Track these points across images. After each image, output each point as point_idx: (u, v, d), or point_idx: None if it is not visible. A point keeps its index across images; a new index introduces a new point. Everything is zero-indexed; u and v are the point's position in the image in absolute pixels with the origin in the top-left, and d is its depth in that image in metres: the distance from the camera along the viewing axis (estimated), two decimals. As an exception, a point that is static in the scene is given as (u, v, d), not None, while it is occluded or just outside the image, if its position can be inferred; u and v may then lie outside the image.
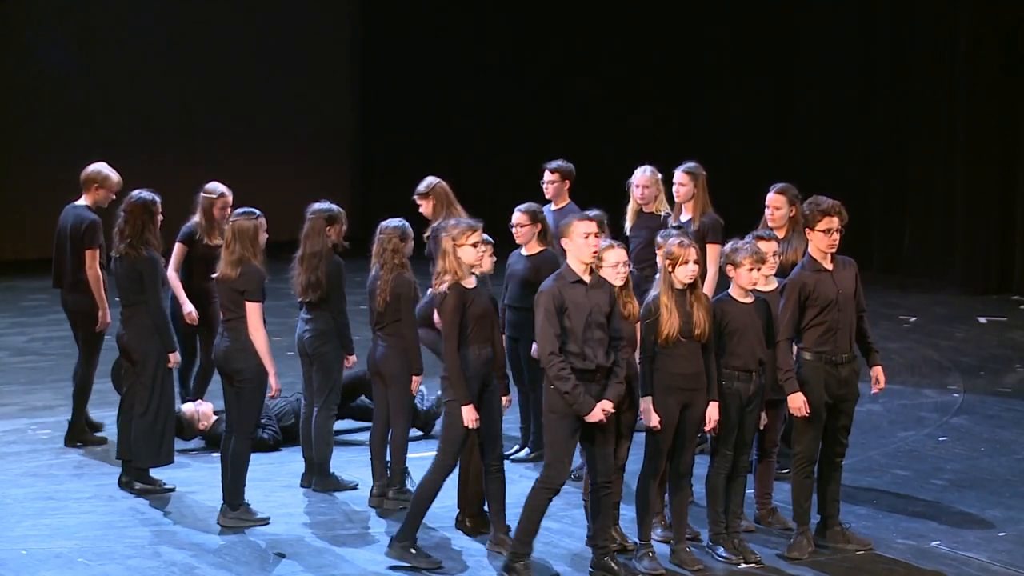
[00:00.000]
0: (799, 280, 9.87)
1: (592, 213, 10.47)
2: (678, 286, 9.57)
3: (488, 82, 18.61)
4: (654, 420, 9.52)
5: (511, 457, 11.89)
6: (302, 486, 11.34)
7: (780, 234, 11.42)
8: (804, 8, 18.29)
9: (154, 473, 11.34)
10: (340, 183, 16.97)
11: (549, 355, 9.26)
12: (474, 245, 9.76)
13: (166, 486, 11.33)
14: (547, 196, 12.50)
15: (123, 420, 11.43)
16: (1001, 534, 10.33)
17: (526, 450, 12.17)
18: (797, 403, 9.77)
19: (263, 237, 10.58)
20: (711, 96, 18.64)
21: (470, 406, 9.60)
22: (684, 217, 12.36)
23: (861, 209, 14.23)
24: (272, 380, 10.54)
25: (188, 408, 12.38)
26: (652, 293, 9.55)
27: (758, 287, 9.90)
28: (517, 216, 11.85)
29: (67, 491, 11.41)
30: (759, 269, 9.80)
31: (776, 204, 11.59)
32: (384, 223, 10.75)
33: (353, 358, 11.31)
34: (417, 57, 18.21)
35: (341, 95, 17.55)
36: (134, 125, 16.65)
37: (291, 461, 11.83)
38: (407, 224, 10.77)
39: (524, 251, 11.88)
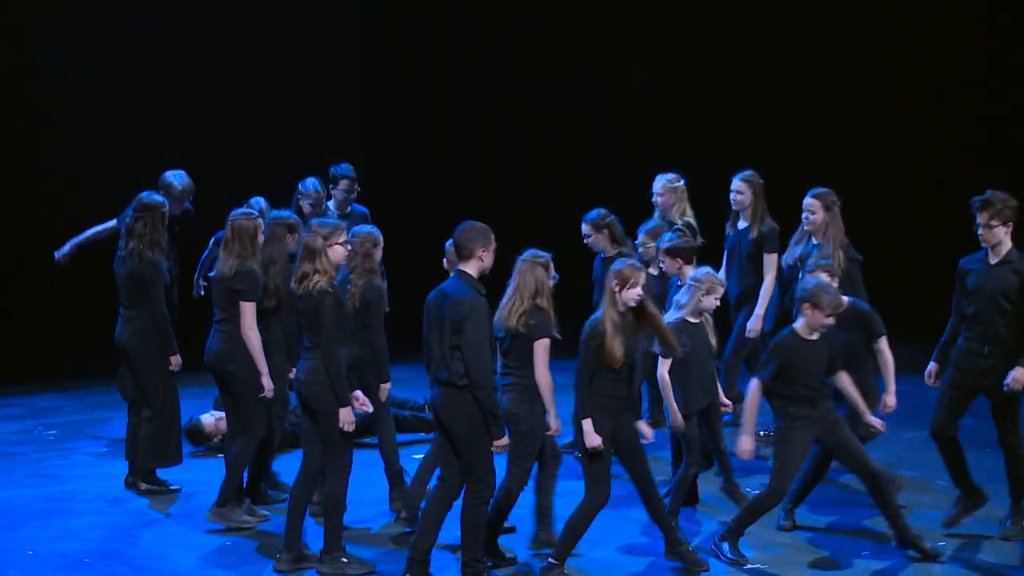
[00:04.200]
0: None
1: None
2: (621, 308, 9.49)
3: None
4: (596, 441, 9.44)
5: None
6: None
7: (817, 239, 11.56)
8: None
9: (162, 474, 11.36)
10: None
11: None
12: (342, 244, 9.85)
13: (172, 487, 11.36)
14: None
15: (132, 422, 11.45)
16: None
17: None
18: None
19: (261, 238, 10.59)
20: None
21: (349, 407, 9.56)
22: (742, 225, 12.51)
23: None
24: (264, 380, 10.48)
25: (208, 421, 12.35)
26: (597, 314, 9.44)
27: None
28: (584, 228, 12.14)
29: (73, 492, 11.44)
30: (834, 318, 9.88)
31: (812, 208, 11.66)
32: (356, 228, 10.65)
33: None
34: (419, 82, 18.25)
35: (348, 111, 17.57)
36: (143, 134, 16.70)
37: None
38: (378, 231, 10.72)
39: (603, 255, 12.12)
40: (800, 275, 11.41)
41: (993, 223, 10.15)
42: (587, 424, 9.37)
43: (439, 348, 9.19)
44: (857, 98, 17.43)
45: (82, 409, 13.86)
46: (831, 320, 9.80)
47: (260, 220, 10.64)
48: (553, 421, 9.71)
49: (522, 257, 9.55)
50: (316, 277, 9.51)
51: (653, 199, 12.69)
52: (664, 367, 10.45)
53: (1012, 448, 10.32)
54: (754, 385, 9.82)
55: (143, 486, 11.34)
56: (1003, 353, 10.14)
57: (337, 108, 17.58)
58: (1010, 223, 10.20)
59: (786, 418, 9.79)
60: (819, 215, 11.61)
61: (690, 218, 12.56)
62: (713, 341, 10.70)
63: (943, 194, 16.50)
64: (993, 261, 10.21)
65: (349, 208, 12.84)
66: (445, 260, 10.63)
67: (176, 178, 12.38)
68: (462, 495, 9.35)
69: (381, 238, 10.68)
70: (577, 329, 9.50)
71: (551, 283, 9.60)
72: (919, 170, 17.29)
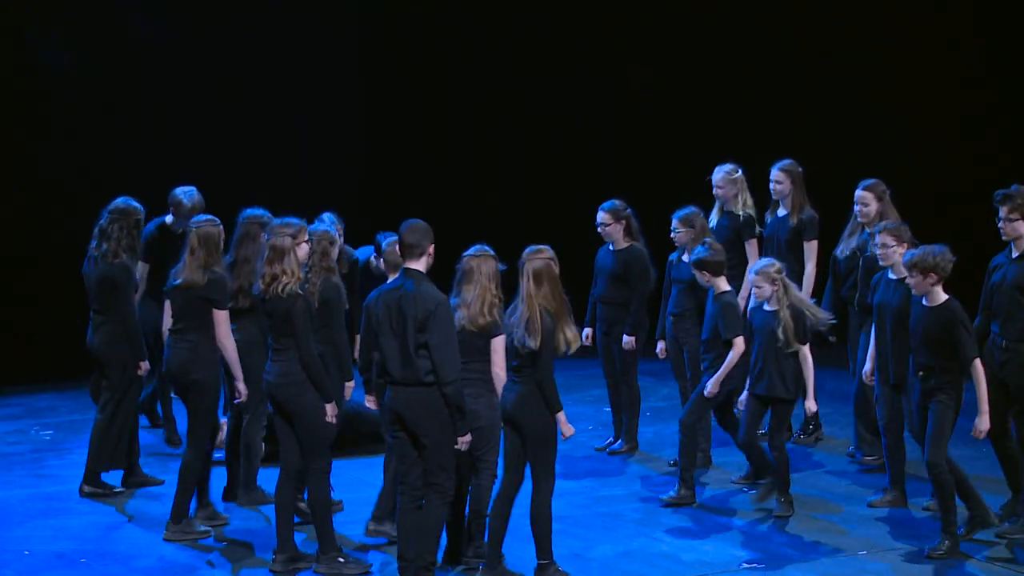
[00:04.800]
0: None
1: None
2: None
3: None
4: (571, 430, 9.48)
5: (608, 449, 12.50)
6: (225, 500, 11.13)
7: (870, 229, 11.60)
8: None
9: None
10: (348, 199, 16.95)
11: None
12: (307, 242, 9.90)
13: (116, 489, 11.33)
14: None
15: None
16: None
17: (620, 442, 12.53)
18: None
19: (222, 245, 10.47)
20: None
21: (334, 402, 9.61)
22: (781, 213, 12.56)
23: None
24: (240, 386, 10.45)
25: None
26: (550, 311, 9.32)
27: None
28: (601, 216, 12.21)
29: (70, 492, 11.41)
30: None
31: (864, 200, 11.72)
32: (311, 227, 10.50)
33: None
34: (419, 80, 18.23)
35: (348, 114, 17.53)
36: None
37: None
38: (334, 229, 10.65)
39: (612, 247, 12.21)
40: (861, 264, 11.54)
41: (1013, 216, 10.24)
42: (563, 415, 9.35)
43: (396, 347, 9.09)
44: (857, 98, 17.43)
45: (78, 409, 13.83)
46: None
47: (221, 227, 10.48)
48: None
49: (469, 253, 9.52)
50: (285, 279, 9.46)
51: (714, 191, 12.72)
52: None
53: None
54: (980, 364, 9.89)
55: (86, 488, 11.30)
56: (1019, 348, 10.22)
57: (337, 108, 17.56)
58: None
59: (956, 389, 9.92)
60: (872, 206, 11.70)
61: (750, 208, 12.65)
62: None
63: (943, 194, 16.52)
64: (1015, 255, 10.29)
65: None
66: (381, 260, 10.58)
67: (186, 196, 12.20)
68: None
69: (337, 237, 10.64)
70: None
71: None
72: (919, 170, 17.26)
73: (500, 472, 9.60)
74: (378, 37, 17.85)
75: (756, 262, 11.30)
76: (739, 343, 11.00)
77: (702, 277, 11.22)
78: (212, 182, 12.99)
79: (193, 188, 12.27)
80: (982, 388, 9.88)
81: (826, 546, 10.26)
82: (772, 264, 10.96)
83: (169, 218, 12.24)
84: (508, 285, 9.55)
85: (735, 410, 11.30)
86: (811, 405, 10.99)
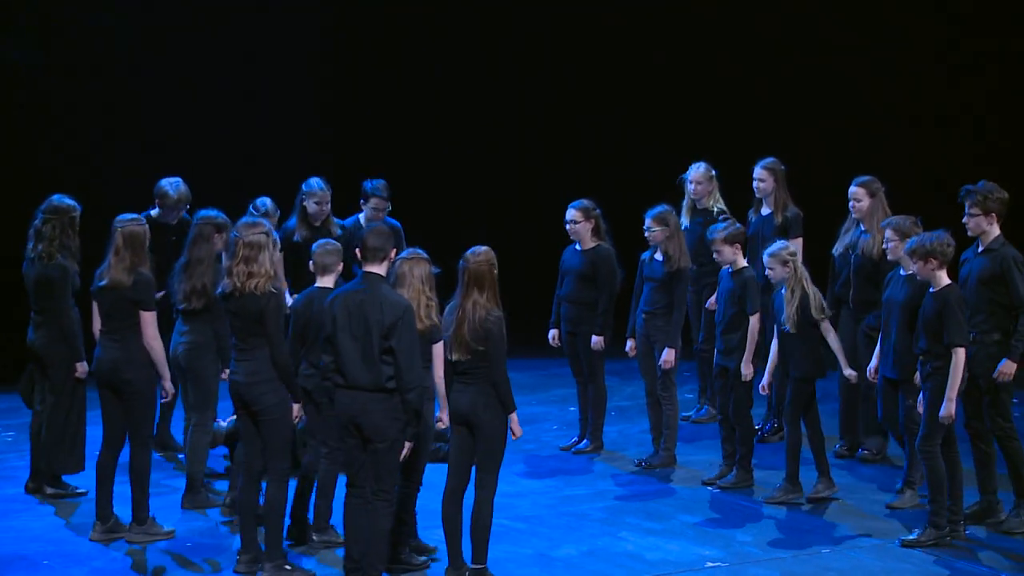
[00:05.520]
0: None
1: None
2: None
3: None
4: (521, 431, 9.42)
5: (573, 449, 12.48)
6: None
7: (864, 226, 11.73)
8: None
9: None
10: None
11: None
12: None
13: (78, 491, 11.28)
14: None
15: (35, 426, 11.33)
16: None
17: (585, 441, 12.53)
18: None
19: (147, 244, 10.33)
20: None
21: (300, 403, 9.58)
22: (765, 211, 12.63)
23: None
24: (167, 384, 10.32)
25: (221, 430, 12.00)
26: (495, 312, 9.25)
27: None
28: (571, 213, 12.21)
29: (32, 495, 11.36)
30: None
31: (857, 196, 11.81)
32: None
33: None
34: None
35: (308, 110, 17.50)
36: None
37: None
38: (270, 225, 10.46)
39: (579, 246, 12.22)
40: (852, 261, 11.59)
41: (975, 212, 10.33)
42: (516, 416, 9.31)
43: (356, 351, 9.01)
44: (858, 97, 17.49)
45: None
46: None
47: (147, 226, 10.36)
48: (444, 421, 9.65)
49: (401, 257, 9.49)
50: (260, 278, 9.36)
51: (688, 187, 12.87)
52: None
53: (1002, 440, 10.40)
54: (962, 353, 9.97)
55: (49, 490, 11.24)
56: (985, 341, 10.28)
57: (338, 106, 17.57)
58: (993, 214, 10.31)
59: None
60: (865, 202, 11.78)
61: (723, 206, 12.83)
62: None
63: (942, 194, 16.57)
64: (980, 250, 10.38)
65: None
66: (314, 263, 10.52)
67: (171, 186, 12.13)
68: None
69: (276, 237, 10.28)
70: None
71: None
72: (919, 170, 17.32)
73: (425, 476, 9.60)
74: (378, 37, 17.80)
75: (771, 245, 11.28)
76: (756, 320, 11.20)
77: (731, 252, 11.31)
78: (196, 181, 12.86)
79: (179, 179, 12.18)
80: (955, 376, 9.92)
81: (789, 544, 10.27)
82: (785, 247, 11.05)
83: (155, 211, 12.16)
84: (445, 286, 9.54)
85: (761, 394, 11.46)
86: (849, 372, 11.18)
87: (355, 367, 9.01)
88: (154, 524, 10.37)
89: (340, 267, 10.07)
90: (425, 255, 9.51)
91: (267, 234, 9.52)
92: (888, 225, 10.88)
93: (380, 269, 9.15)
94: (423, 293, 9.40)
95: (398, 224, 12.58)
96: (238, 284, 9.40)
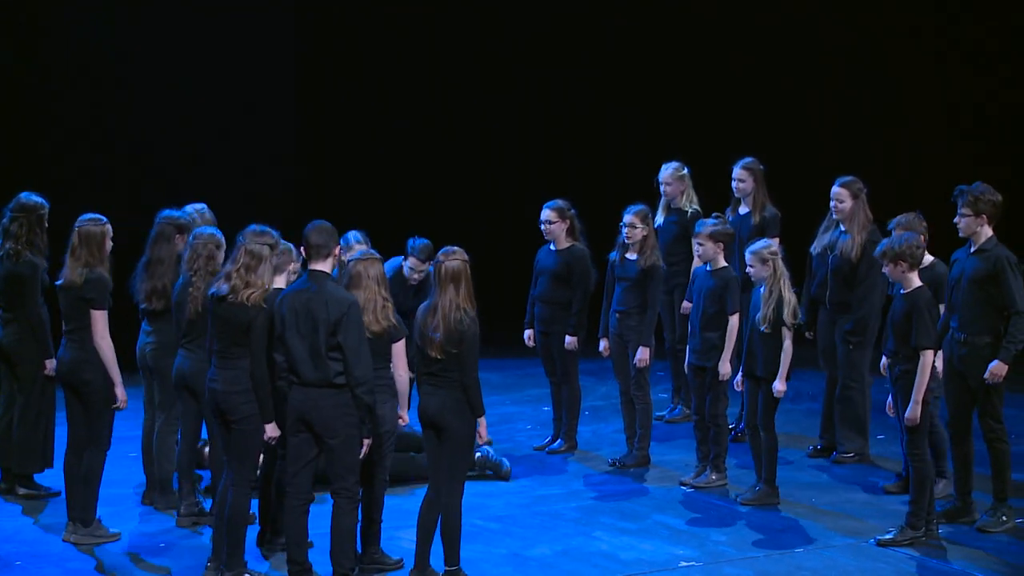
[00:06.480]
0: None
1: None
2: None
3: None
4: (488, 438, 9.46)
5: (547, 449, 12.50)
6: (143, 504, 11.04)
7: (844, 227, 11.73)
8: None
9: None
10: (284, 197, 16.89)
11: None
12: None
13: (51, 491, 11.23)
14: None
15: (2, 426, 11.29)
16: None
17: (559, 441, 12.55)
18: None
19: (108, 244, 10.24)
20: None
21: (274, 422, 9.34)
22: (743, 211, 12.64)
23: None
24: (118, 391, 10.18)
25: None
26: (470, 313, 9.23)
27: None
28: (546, 213, 12.22)
29: (2, 495, 11.32)
30: None
31: (840, 197, 11.80)
32: (197, 230, 10.33)
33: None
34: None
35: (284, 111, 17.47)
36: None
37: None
38: (221, 233, 10.36)
39: (554, 247, 12.22)
40: (830, 262, 11.59)
41: (966, 212, 10.34)
42: (484, 420, 9.28)
43: (304, 349, 8.97)
44: (858, 97, 17.54)
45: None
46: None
47: (107, 226, 10.24)
48: (404, 419, 9.71)
49: (355, 257, 9.47)
50: (253, 291, 9.22)
51: (660, 188, 12.88)
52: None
53: (991, 441, 10.41)
54: (930, 356, 9.96)
55: (21, 491, 11.20)
56: (976, 342, 10.28)
57: (333, 107, 17.55)
58: (984, 215, 10.32)
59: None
60: (847, 203, 11.78)
61: (696, 206, 12.84)
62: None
63: (942, 194, 16.62)
64: (972, 250, 10.39)
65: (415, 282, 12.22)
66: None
67: (198, 214, 11.86)
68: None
69: (224, 241, 10.29)
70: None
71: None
72: (919, 170, 17.38)
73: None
74: (378, 36, 17.80)
75: (753, 243, 11.22)
76: (736, 319, 11.22)
77: (715, 249, 11.27)
78: (164, 182, 12.85)
79: (204, 204, 11.79)
80: (922, 378, 9.90)
81: (763, 543, 10.29)
82: (767, 245, 11.02)
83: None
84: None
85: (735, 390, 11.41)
86: (779, 386, 10.94)
87: (304, 365, 8.99)
88: (99, 526, 10.30)
89: (292, 266, 9.96)
90: (378, 255, 9.49)
91: (272, 246, 9.40)
92: (898, 224, 10.85)
93: (325, 266, 9.13)
94: (378, 294, 9.37)
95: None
96: (231, 290, 9.27)
